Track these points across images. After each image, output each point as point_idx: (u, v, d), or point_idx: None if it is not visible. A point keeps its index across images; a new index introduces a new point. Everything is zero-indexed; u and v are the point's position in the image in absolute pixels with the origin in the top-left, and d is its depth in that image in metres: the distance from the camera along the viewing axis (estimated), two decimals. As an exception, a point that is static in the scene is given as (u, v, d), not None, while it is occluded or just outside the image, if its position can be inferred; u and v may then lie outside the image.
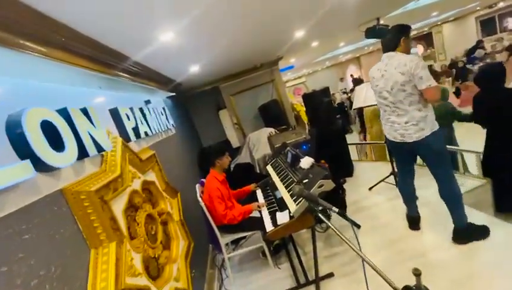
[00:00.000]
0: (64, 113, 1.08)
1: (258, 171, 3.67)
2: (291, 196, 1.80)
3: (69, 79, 1.32)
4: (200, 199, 2.17)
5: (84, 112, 1.22)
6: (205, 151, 2.42)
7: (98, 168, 1.29)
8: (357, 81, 9.17)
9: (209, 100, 5.16)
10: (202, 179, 2.53)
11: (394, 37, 1.85)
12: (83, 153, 1.13)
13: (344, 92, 8.92)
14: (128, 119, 1.72)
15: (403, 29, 1.85)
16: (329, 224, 0.98)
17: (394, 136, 1.91)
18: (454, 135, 2.98)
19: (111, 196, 1.24)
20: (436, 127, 1.79)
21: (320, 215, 1.02)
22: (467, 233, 1.90)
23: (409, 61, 1.71)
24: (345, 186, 2.69)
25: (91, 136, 1.21)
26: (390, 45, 1.87)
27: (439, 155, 1.82)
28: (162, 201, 1.92)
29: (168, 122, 2.77)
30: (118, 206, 1.30)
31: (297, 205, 1.69)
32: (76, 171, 1.12)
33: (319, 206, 1.05)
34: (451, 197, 1.87)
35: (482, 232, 1.90)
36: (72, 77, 1.35)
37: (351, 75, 12.27)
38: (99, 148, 1.25)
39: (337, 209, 0.94)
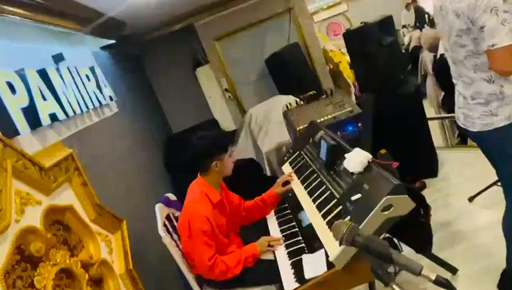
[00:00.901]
0: None
1: (269, 173, 3.63)
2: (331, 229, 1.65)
3: None
4: (162, 234, 2.05)
5: None
6: (187, 143, 2.27)
7: None
8: (420, 11, 8.86)
9: (179, 51, 5.11)
10: (166, 195, 2.44)
11: None
12: None
13: (417, 27, 8.58)
14: (14, 93, 1.55)
15: None
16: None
17: (457, 115, 1.97)
18: None
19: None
20: None
21: (393, 285, 0.81)
22: None
23: None
24: (425, 194, 2.50)
25: None
26: None
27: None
28: (90, 241, 1.83)
29: (102, 93, 2.67)
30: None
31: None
32: None
33: (391, 266, 0.85)
34: None
35: None
36: None
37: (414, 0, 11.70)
38: None
39: (433, 277, 0.73)
